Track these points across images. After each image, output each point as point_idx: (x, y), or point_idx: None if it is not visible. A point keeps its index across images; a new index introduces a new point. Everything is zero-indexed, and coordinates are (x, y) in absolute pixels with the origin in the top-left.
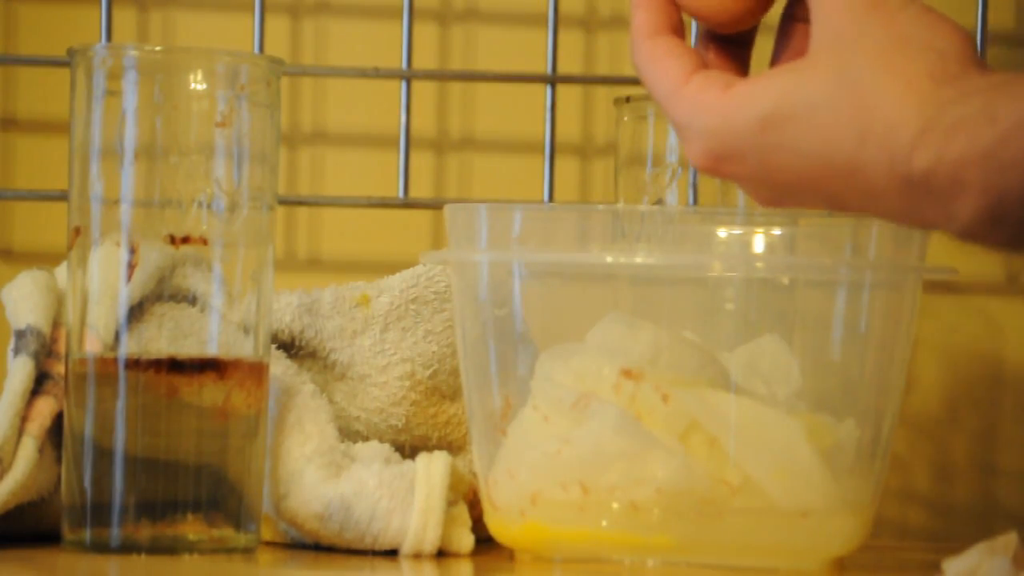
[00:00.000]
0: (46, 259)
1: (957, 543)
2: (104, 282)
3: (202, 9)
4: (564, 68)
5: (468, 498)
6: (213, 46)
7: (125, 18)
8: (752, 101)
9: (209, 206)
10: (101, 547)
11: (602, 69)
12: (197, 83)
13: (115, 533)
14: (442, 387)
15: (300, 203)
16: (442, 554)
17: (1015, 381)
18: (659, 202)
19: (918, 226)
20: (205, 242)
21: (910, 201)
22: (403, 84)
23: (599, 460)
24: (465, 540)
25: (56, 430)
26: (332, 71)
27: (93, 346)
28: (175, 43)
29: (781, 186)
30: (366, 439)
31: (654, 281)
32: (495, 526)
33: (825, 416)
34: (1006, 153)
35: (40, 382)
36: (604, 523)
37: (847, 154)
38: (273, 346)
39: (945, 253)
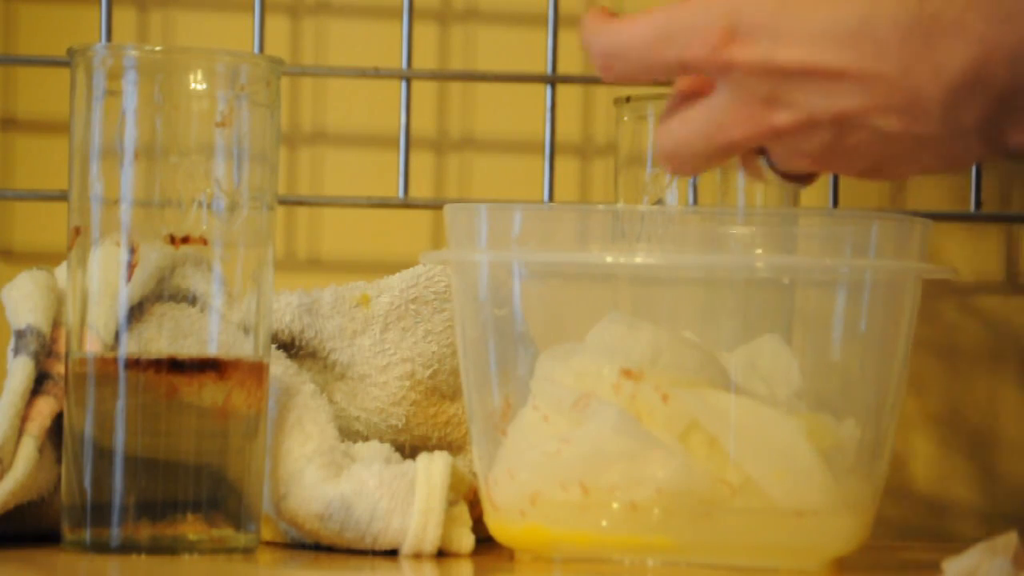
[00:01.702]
0: (46, 259)
1: (957, 543)
2: (104, 282)
3: (202, 9)
4: (564, 68)
5: (468, 498)
6: (213, 46)
7: (125, 18)
8: None
9: (209, 206)
10: (101, 547)
11: None
12: (197, 83)
13: (115, 533)
14: (442, 387)
15: (300, 203)
16: (442, 554)
17: (1015, 381)
18: (659, 202)
19: (904, 100)
20: (205, 242)
21: (906, 52)
22: (403, 84)
23: (599, 460)
24: (465, 540)
25: (56, 430)
26: (332, 71)
27: (93, 346)
28: (175, 43)
29: (783, 74)
30: (366, 439)
31: (654, 281)
32: (495, 526)
33: (825, 416)
34: (1012, 3)
35: (40, 382)
36: (604, 523)
37: (858, 15)
38: (273, 346)
39: (945, 253)
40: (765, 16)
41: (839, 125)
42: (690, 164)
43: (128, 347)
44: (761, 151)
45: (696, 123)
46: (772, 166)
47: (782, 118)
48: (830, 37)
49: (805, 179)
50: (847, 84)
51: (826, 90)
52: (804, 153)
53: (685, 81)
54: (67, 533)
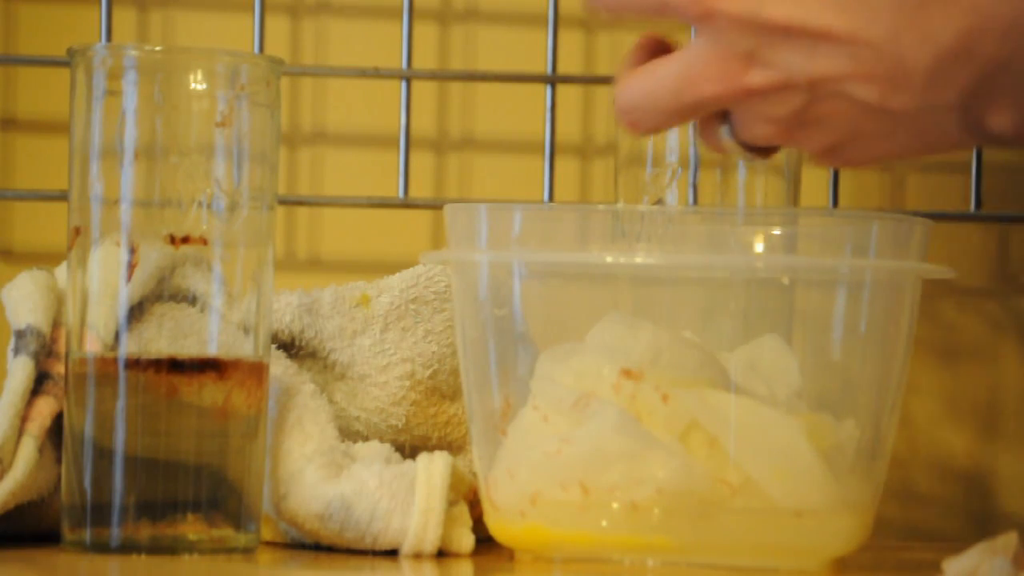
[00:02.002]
0: (46, 259)
1: (957, 543)
2: (104, 282)
3: (202, 9)
4: (564, 68)
5: (468, 498)
6: (213, 46)
7: (125, 18)
8: None
9: (209, 206)
10: (101, 547)
11: (602, 69)
12: (197, 83)
13: (115, 533)
14: (442, 387)
15: (300, 203)
16: (442, 554)
17: (1015, 381)
18: (659, 202)
19: (887, 68)
20: (205, 242)
21: (896, 18)
22: (403, 84)
23: (599, 460)
24: (465, 540)
25: (56, 430)
26: (332, 71)
27: (93, 346)
28: (175, 43)
29: (767, 30)
30: (366, 439)
31: (654, 281)
32: (495, 526)
33: (825, 416)
34: None
35: (40, 382)
36: (604, 523)
37: None
38: (273, 346)
39: (945, 253)
40: None
41: (814, 90)
42: (651, 120)
43: (128, 347)
44: (723, 120)
45: (665, 77)
46: (733, 136)
47: (757, 78)
48: None
49: (764, 152)
50: (830, 47)
51: (808, 51)
52: (771, 119)
53: (648, 37)
54: (67, 533)
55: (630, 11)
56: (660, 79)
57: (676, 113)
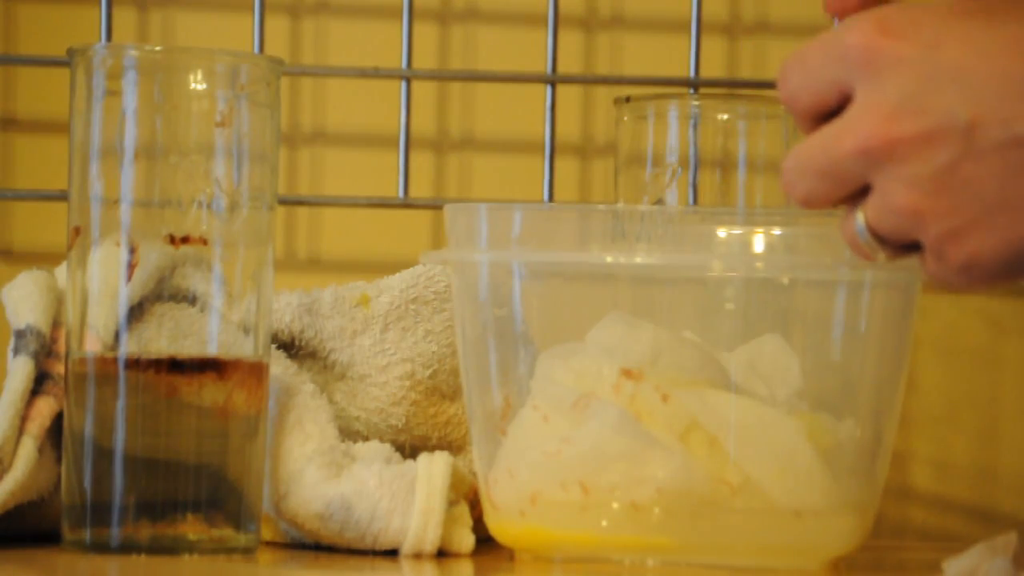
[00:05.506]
0: (46, 259)
1: (957, 543)
2: (104, 282)
3: (202, 9)
4: (564, 68)
5: (469, 498)
6: (213, 46)
7: (125, 18)
8: None
9: (209, 206)
10: (101, 547)
11: (602, 69)
12: (197, 83)
13: (115, 533)
14: (442, 387)
15: (300, 203)
16: (442, 554)
17: (1015, 381)
18: (659, 202)
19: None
20: (205, 242)
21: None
22: (403, 84)
23: (599, 460)
24: (466, 540)
25: (56, 430)
26: (332, 71)
27: (93, 346)
28: (175, 43)
29: (938, 71)
30: (366, 439)
31: (654, 281)
32: (495, 526)
33: (825, 416)
34: None
35: (40, 382)
36: (604, 523)
37: None
38: (273, 346)
39: None
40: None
41: (969, 139)
42: (802, 183)
43: (128, 347)
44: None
45: (819, 135)
46: (866, 223)
47: (908, 125)
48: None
49: (897, 252)
50: (1002, 86)
51: (974, 93)
52: (912, 181)
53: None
54: (67, 533)
55: (803, 92)
56: (813, 140)
57: (824, 174)
